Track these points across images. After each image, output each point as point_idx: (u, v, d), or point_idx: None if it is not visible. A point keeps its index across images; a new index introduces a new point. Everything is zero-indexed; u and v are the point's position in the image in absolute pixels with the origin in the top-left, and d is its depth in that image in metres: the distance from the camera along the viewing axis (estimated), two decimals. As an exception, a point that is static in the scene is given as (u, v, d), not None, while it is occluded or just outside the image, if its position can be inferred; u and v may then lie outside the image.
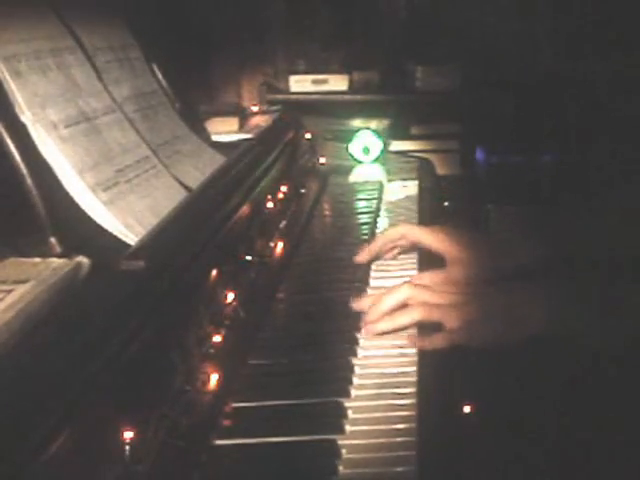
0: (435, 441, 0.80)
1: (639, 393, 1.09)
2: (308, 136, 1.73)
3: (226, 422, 0.85)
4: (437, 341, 0.98)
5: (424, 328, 1.01)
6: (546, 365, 1.16)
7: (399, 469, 0.76)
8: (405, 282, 1.07)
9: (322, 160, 1.74)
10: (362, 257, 1.23)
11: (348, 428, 0.82)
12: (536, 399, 1.21)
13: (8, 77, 0.95)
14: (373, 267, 1.24)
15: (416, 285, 1.06)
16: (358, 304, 1.07)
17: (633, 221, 1.17)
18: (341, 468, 0.76)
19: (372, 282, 1.19)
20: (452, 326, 0.99)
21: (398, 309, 1.03)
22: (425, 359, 0.96)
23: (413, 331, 1.01)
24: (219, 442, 0.82)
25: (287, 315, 1.10)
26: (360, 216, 1.48)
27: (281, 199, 1.36)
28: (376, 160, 1.79)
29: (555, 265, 1.15)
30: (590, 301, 1.02)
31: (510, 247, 1.17)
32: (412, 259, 1.25)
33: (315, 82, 2.77)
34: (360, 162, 1.79)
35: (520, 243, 1.17)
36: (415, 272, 1.20)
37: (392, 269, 1.23)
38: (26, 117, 0.94)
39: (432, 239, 1.19)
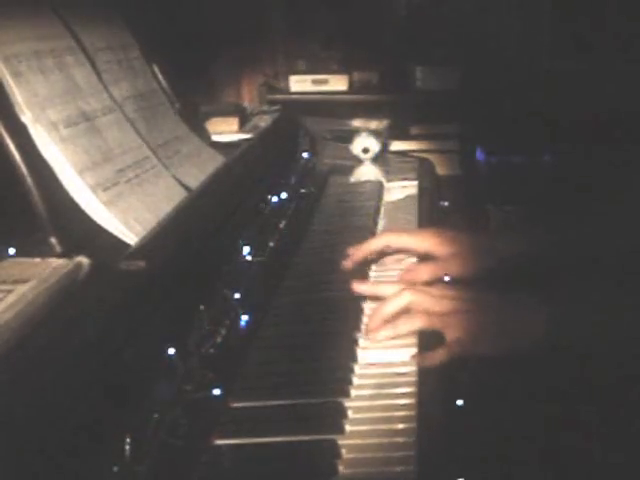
0: (435, 441, 0.80)
1: (637, 398, 1.09)
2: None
3: (226, 422, 0.85)
4: (438, 357, 0.97)
5: (424, 342, 1.00)
6: (546, 365, 1.16)
7: (399, 469, 0.76)
8: (405, 288, 1.07)
9: (322, 160, 1.74)
10: (347, 264, 1.22)
11: (348, 428, 0.82)
12: (536, 399, 1.21)
13: (8, 77, 0.95)
14: (373, 267, 1.24)
15: (416, 290, 1.06)
16: (358, 287, 1.08)
17: (629, 221, 1.17)
18: (341, 468, 0.76)
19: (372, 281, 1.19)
20: (453, 336, 0.99)
21: (399, 315, 1.03)
22: (425, 359, 0.96)
23: (414, 340, 1.01)
24: (219, 442, 0.82)
25: (287, 315, 1.10)
26: (360, 216, 1.48)
27: (281, 199, 1.36)
28: (376, 160, 1.79)
29: (536, 263, 1.17)
30: (591, 310, 1.02)
31: (494, 243, 1.18)
32: (411, 258, 1.25)
33: (315, 82, 2.77)
34: (360, 162, 1.79)
35: (502, 240, 1.19)
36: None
37: (391, 268, 1.23)
38: (26, 117, 0.94)
39: (417, 241, 1.20)
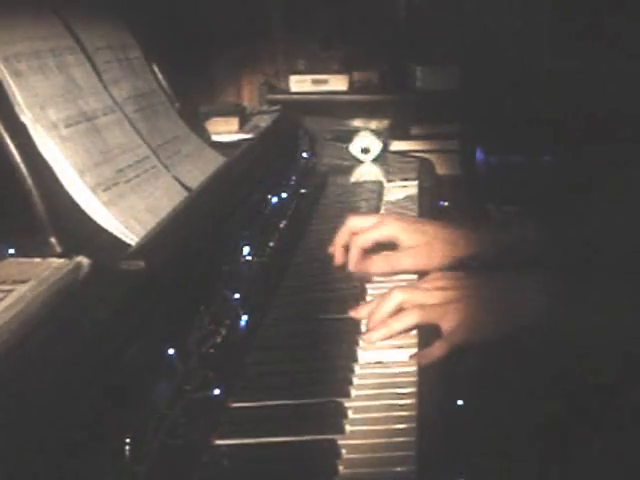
0: (435, 441, 0.80)
1: (637, 390, 1.09)
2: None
3: (226, 422, 0.85)
4: (437, 351, 0.96)
5: (425, 342, 1.00)
6: (546, 363, 1.16)
7: (399, 469, 0.76)
8: (394, 287, 1.06)
9: (322, 160, 1.75)
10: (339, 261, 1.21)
11: (348, 428, 0.82)
12: (537, 399, 1.21)
13: (8, 77, 0.95)
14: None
15: (406, 288, 1.05)
16: (356, 312, 1.06)
17: (628, 220, 1.16)
18: (341, 468, 0.76)
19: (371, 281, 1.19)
20: (450, 326, 0.98)
21: (394, 314, 1.01)
22: (425, 359, 0.96)
23: (414, 340, 1.01)
24: (219, 442, 0.82)
25: (287, 315, 1.10)
26: (360, 216, 1.48)
27: (281, 199, 1.36)
28: (376, 160, 1.79)
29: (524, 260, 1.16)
30: (589, 292, 1.01)
31: (464, 238, 1.16)
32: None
33: (315, 82, 2.77)
34: (360, 162, 1.79)
35: (474, 236, 1.17)
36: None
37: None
38: (26, 117, 0.94)
39: (381, 230, 1.19)
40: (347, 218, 1.24)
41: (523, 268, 1.10)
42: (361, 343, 1.00)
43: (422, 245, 1.16)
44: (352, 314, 1.06)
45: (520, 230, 1.17)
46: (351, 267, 1.19)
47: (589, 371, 1.12)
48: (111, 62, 1.23)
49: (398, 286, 1.07)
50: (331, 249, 1.23)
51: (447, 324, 0.98)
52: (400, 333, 1.00)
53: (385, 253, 1.19)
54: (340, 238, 1.21)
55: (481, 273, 1.10)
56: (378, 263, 1.16)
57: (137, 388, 0.75)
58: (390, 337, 1.00)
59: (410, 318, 1.00)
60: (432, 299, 1.01)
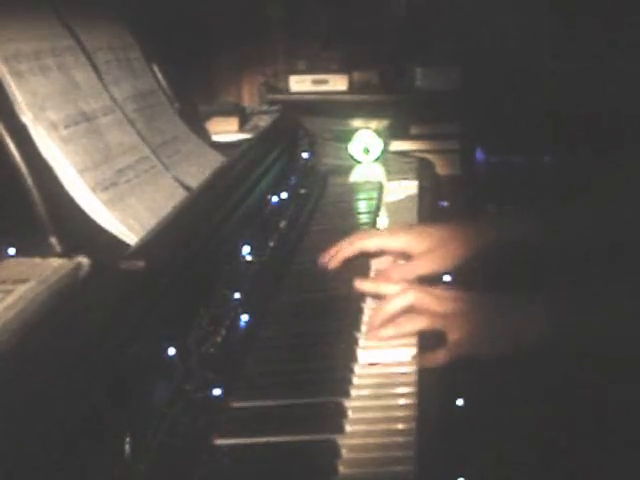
0: (434, 441, 0.80)
1: (636, 398, 1.09)
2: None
3: (226, 422, 0.85)
4: (439, 358, 0.97)
5: (424, 342, 1.00)
6: (545, 366, 1.16)
7: (398, 469, 0.76)
8: (409, 287, 1.06)
9: (322, 160, 1.75)
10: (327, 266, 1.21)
11: (348, 428, 0.82)
12: (536, 399, 1.22)
13: (8, 77, 0.95)
14: (372, 268, 1.24)
15: (420, 290, 1.06)
16: (360, 284, 1.08)
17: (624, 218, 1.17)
18: (341, 468, 0.76)
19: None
20: (454, 337, 0.99)
21: (402, 314, 1.03)
22: (425, 359, 0.96)
23: (414, 340, 1.01)
24: (219, 442, 0.82)
25: (287, 315, 1.10)
26: (360, 216, 1.48)
27: (281, 199, 1.36)
28: (376, 160, 1.79)
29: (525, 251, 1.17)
30: (590, 313, 1.02)
31: (471, 233, 1.18)
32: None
33: (315, 82, 2.77)
34: (360, 162, 1.79)
35: (479, 233, 1.18)
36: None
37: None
38: (26, 117, 0.94)
39: (390, 240, 1.20)
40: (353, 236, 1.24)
41: (524, 286, 1.11)
42: (361, 343, 1.00)
43: (435, 249, 1.16)
44: (357, 284, 1.09)
45: (521, 226, 1.18)
46: (334, 261, 1.19)
47: (588, 373, 1.12)
48: (111, 62, 1.23)
49: (413, 286, 1.08)
50: (327, 255, 1.22)
51: (452, 334, 0.99)
52: (406, 335, 1.01)
53: (399, 263, 1.19)
54: (342, 253, 1.21)
55: (486, 290, 1.10)
56: (396, 272, 1.16)
57: (137, 388, 0.75)
58: (396, 337, 1.01)
59: (419, 322, 1.01)
60: (441, 307, 1.03)
